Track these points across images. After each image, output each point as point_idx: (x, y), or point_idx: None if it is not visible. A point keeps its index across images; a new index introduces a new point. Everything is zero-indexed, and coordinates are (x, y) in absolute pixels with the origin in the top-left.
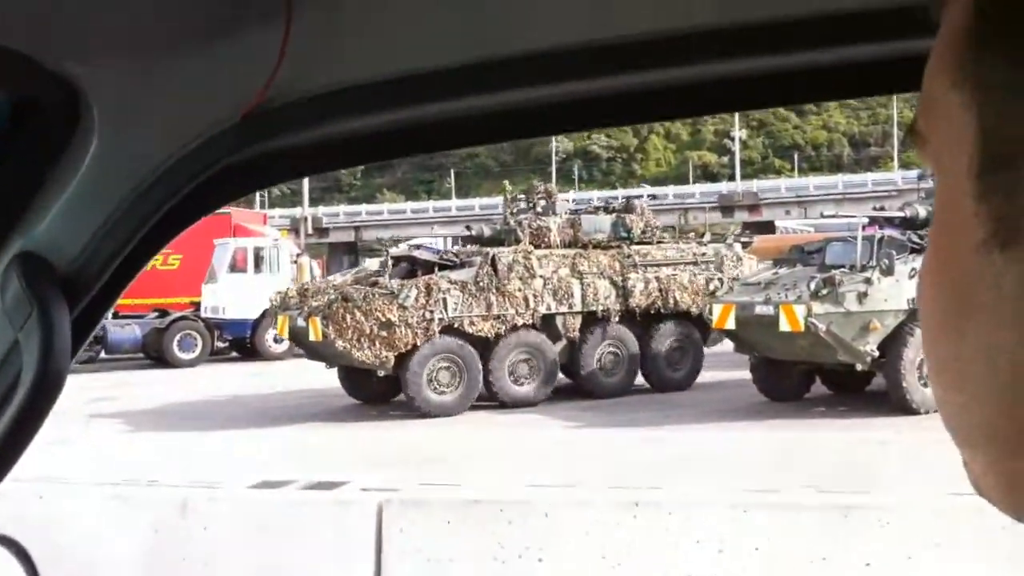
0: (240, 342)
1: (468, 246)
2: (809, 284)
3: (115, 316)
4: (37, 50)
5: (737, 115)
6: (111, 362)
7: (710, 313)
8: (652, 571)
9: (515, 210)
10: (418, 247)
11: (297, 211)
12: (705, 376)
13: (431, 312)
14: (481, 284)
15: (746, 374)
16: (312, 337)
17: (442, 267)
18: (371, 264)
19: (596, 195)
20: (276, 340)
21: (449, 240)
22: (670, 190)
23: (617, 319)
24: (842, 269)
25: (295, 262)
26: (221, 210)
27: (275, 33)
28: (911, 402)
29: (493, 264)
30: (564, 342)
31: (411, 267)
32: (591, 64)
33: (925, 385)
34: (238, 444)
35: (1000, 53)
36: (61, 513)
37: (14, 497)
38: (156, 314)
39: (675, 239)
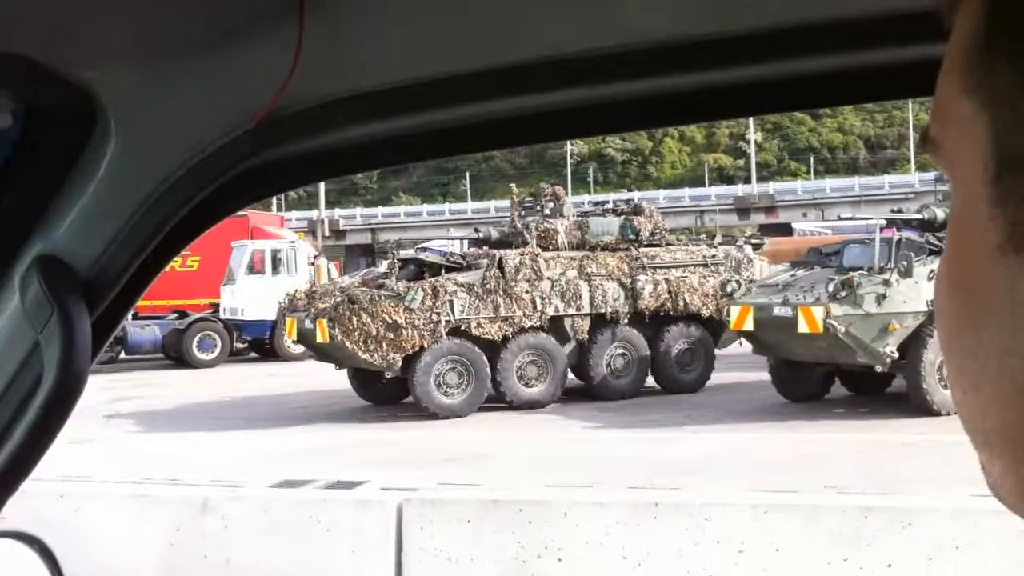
0: (259, 343)
1: (477, 248)
2: (827, 286)
3: (135, 317)
4: (53, 57)
5: (752, 118)
6: (131, 362)
7: (728, 315)
8: (672, 571)
9: (523, 212)
10: (424, 249)
11: (314, 213)
12: (722, 377)
13: (438, 314)
14: (488, 286)
15: (761, 375)
16: (319, 339)
17: (449, 269)
18: (384, 266)
19: (613, 197)
20: (295, 341)
21: (465, 243)
22: (686, 192)
23: (626, 321)
24: (860, 271)
25: (312, 264)
26: (239, 213)
27: (289, 39)
28: (931, 404)
29: (500, 266)
30: (573, 344)
31: (419, 269)
32: (604, 70)
33: (945, 387)
34: (256, 444)
35: (1011, 60)
36: (82, 512)
37: (36, 496)
38: (176, 315)
39: (688, 240)
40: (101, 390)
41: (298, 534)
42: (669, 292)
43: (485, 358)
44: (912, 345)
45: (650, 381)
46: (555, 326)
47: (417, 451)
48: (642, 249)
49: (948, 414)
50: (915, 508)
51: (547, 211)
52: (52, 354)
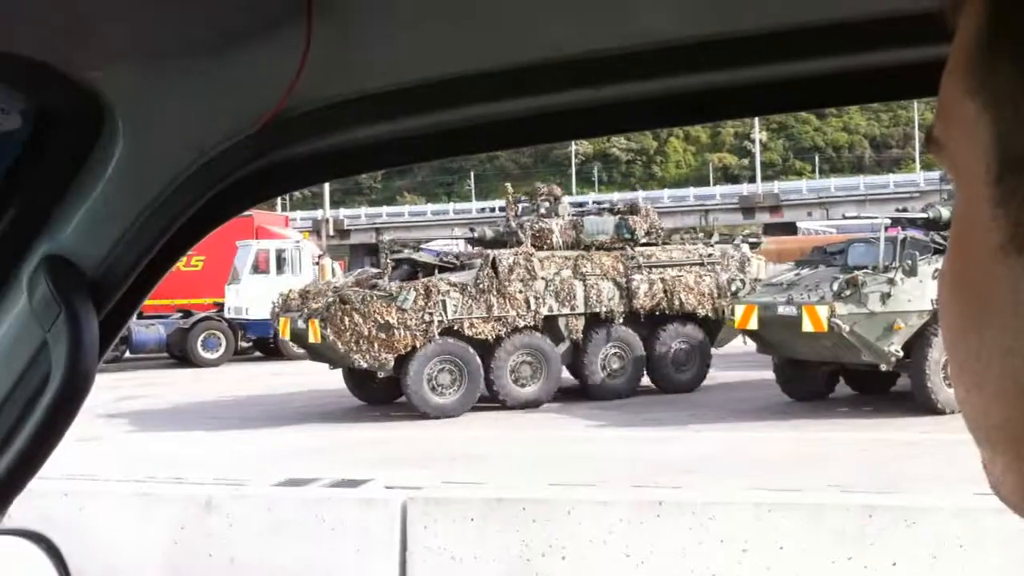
0: (263, 342)
1: (473, 248)
2: (832, 285)
3: (140, 316)
4: (61, 59)
5: (757, 118)
6: (136, 361)
7: (732, 313)
8: (675, 570)
9: (519, 212)
10: (418, 249)
11: (318, 213)
12: (726, 376)
13: (430, 314)
14: (481, 286)
15: (765, 374)
16: (311, 339)
17: (443, 269)
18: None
19: (617, 197)
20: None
21: (465, 243)
22: (690, 192)
23: (621, 321)
24: (865, 270)
25: (317, 263)
26: (243, 212)
27: (296, 41)
28: (936, 402)
29: (494, 266)
30: (568, 344)
31: (412, 269)
32: (609, 70)
33: (950, 386)
34: (252, 444)
35: (1014, 61)
36: (87, 510)
37: (40, 494)
38: (180, 314)
39: (682, 238)
40: (106, 389)
41: (302, 533)
42: (665, 291)
43: (478, 358)
44: (916, 344)
45: (646, 381)
46: (549, 326)
47: (412, 451)
48: (637, 248)
49: (952, 413)
50: (919, 507)
51: (543, 211)
52: (59, 353)
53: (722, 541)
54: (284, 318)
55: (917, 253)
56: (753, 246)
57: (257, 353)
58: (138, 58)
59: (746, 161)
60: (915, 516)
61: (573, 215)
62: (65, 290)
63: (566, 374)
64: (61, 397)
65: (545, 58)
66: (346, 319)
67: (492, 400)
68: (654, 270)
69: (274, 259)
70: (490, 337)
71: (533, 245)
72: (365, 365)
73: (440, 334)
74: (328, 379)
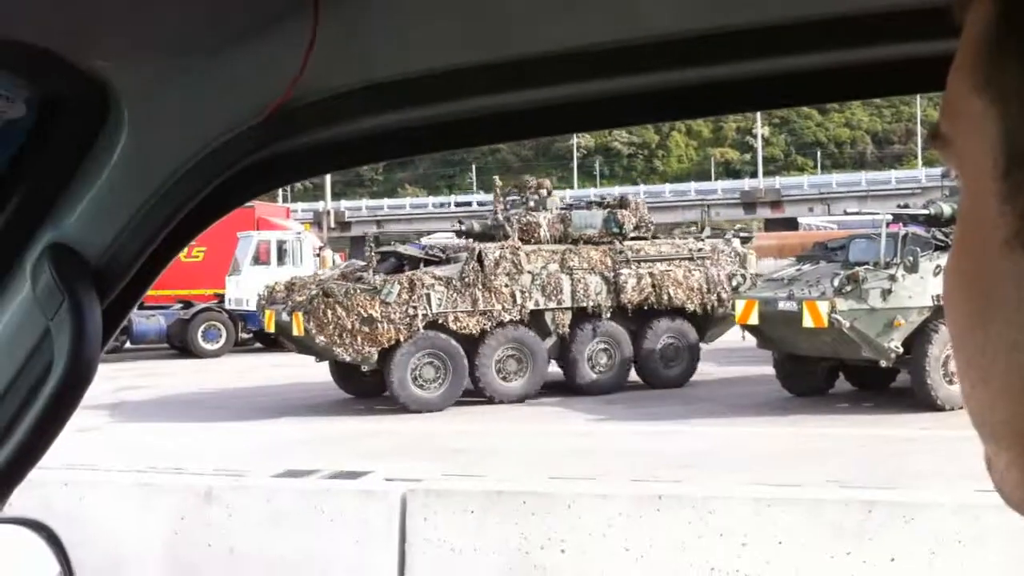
0: (263, 333)
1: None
2: (833, 280)
3: (140, 307)
4: (67, 47)
5: (759, 113)
6: (136, 352)
7: (732, 308)
8: (675, 563)
9: (507, 205)
10: (404, 242)
11: (320, 205)
12: (726, 371)
13: (414, 308)
14: (467, 280)
15: (765, 369)
16: (295, 332)
17: (428, 263)
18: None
19: (617, 190)
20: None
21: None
22: (692, 186)
23: (608, 315)
24: (866, 266)
25: (318, 255)
26: (245, 204)
27: (303, 32)
28: (936, 399)
29: (479, 260)
30: (554, 339)
31: (399, 262)
32: (613, 64)
33: (950, 382)
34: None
35: (1021, 58)
36: (87, 500)
37: (40, 484)
38: (181, 305)
39: (669, 233)
40: (106, 379)
41: (302, 524)
42: (653, 286)
43: (463, 352)
44: (917, 340)
45: (634, 376)
46: (536, 320)
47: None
48: (626, 242)
49: (952, 409)
50: (918, 502)
51: (531, 204)
52: (63, 342)
53: (721, 535)
54: (269, 311)
55: (918, 249)
56: (744, 241)
57: (257, 344)
58: (144, 47)
59: (748, 156)
60: (914, 512)
61: (562, 209)
62: (69, 279)
63: (555, 369)
64: (64, 386)
65: (548, 51)
66: (328, 312)
67: (477, 394)
68: (642, 264)
69: (275, 251)
70: (475, 331)
71: (521, 239)
72: (348, 358)
73: (425, 328)
74: (319, 372)
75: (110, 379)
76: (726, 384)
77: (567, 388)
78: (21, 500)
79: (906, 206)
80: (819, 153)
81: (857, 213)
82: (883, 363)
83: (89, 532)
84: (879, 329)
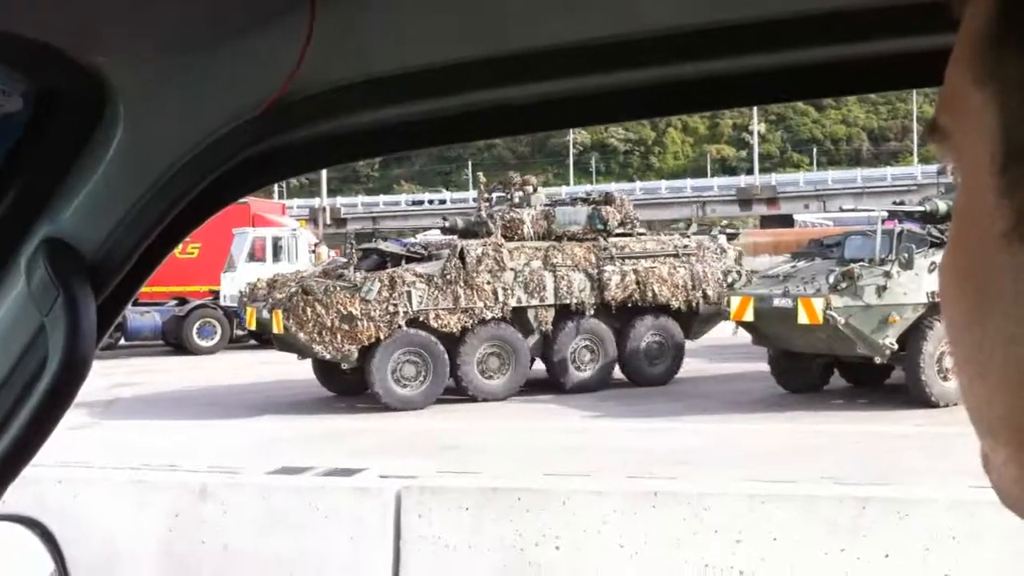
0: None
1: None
2: (828, 277)
3: (135, 303)
4: (64, 41)
5: (755, 109)
6: (131, 348)
7: (727, 305)
8: (670, 560)
9: (492, 202)
10: (386, 239)
11: (316, 201)
12: (720, 368)
13: (395, 305)
14: (448, 277)
15: (760, 366)
16: (275, 329)
17: (410, 260)
18: None
19: (614, 187)
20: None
21: None
22: (688, 183)
23: (592, 312)
24: (861, 263)
25: (313, 252)
26: (240, 200)
27: (299, 26)
28: (930, 395)
29: (461, 256)
30: (537, 336)
31: (381, 259)
32: (611, 58)
33: (945, 378)
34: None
35: (1021, 51)
36: (81, 497)
37: (34, 481)
38: (175, 302)
39: (649, 229)
40: (100, 376)
41: (296, 521)
42: (637, 283)
43: (444, 349)
44: (912, 337)
45: (618, 374)
46: (518, 317)
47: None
48: (611, 239)
49: (947, 406)
50: (912, 499)
51: (516, 200)
52: (57, 337)
53: (716, 532)
54: (251, 308)
55: (913, 246)
56: (731, 237)
57: (252, 341)
58: (141, 41)
59: (744, 153)
60: (908, 508)
61: (546, 205)
62: (64, 274)
63: (540, 366)
64: (58, 382)
65: (546, 45)
66: (308, 310)
67: (458, 392)
68: (627, 261)
69: (270, 247)
70: (456, 329)
71: (504, 235)
72: (328, 356)
73: (406, 325)
74: (303, 369)
75: (104, 376)
76: (719, 381)
77: (550, 386)
78: (15, 497)
79: (902, 203)
80: (815, 150)
81: (853, 210)
82: (878, 360)
83: (83, 529)
84: (874, 326)
